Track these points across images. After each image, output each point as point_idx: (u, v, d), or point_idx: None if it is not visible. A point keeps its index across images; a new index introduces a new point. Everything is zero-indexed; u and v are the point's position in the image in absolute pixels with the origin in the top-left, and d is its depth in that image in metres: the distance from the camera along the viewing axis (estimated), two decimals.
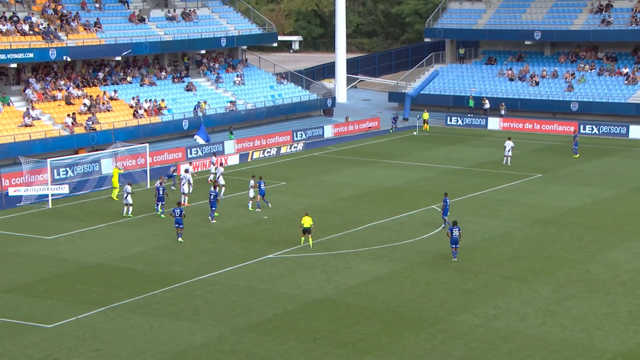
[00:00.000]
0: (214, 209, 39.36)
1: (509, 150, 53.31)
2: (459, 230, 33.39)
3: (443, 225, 38.09)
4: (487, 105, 69.40)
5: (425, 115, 66.83)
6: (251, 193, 41.57)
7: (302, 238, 35.41)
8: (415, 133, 64.67)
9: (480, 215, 40.89)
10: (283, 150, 58.85)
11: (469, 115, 69.64)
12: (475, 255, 34.31)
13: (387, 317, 27.93)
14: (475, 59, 78.86)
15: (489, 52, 77.95)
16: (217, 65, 69.18)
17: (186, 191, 42.85)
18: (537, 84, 71.28)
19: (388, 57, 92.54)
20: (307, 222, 35.16)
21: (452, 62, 78.82)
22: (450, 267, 33.01)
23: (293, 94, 70.25)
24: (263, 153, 57.56)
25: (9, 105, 53.15)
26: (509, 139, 54.20)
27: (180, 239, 36.28)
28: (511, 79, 73.00)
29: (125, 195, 40.66)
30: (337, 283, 31.18)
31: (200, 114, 60.28)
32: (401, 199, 44.54)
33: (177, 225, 36.21)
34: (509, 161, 53.25)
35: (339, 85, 79.14)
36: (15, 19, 56.40)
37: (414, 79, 77.25)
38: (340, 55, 78.89)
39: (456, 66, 77.53)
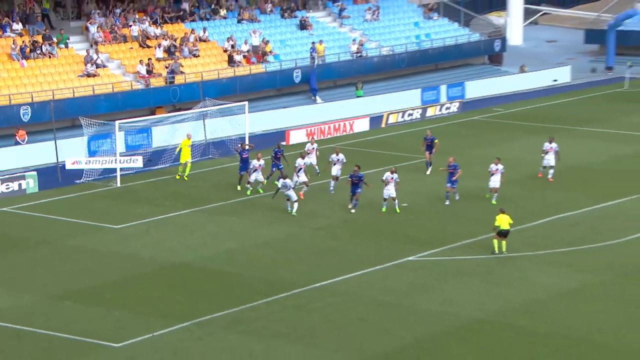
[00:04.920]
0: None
1: None
2: None
3: None
4: None
5: None
6: (334, 171, 42.27)
7: (495, 242, 35.18)
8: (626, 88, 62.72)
9: None
10: (430, 112, 58.75)
11: None
12: None
13: (577, 350, 27.62)
14: None
15: None
16: None
17: (261, 179, 42.24)
18: None
19: None
20: (504, 222, 34.87)
21: None
22: None
23: (446, 33, 69.89)
24: (402, 116, 57.66)
25: (66, 47, 55.38)
26: None
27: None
28: None
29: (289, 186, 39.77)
30: (504, 299, 31.05)
31: (315, 59, 60.67)
32: (598, 184, 43.85)
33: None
34: None
35: (513, 20, 78.01)
36: None
37: (624, 8, 75.04)
38: None
39: None
